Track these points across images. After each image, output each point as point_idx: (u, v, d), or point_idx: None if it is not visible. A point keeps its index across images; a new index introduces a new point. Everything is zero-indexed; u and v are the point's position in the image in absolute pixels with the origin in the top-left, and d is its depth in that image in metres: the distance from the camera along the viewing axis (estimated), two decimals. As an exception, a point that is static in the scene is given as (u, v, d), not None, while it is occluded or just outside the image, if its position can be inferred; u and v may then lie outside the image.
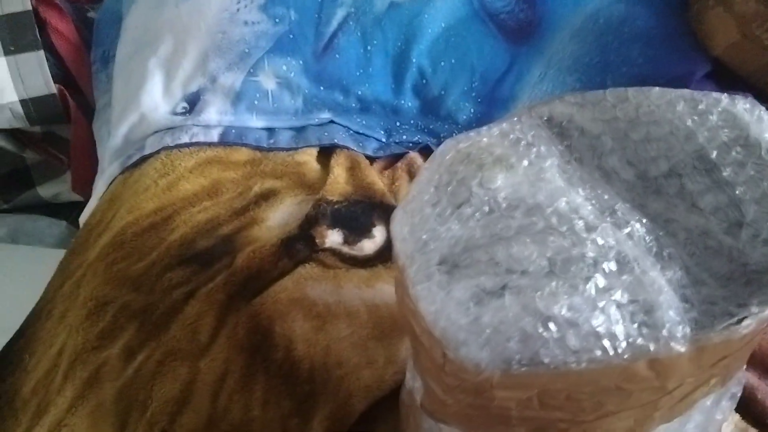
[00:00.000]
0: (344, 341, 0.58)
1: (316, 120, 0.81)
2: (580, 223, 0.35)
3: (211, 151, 0.77)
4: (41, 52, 0.85)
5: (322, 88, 0.81)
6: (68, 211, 0.99)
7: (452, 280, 0.34)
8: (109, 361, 0.58)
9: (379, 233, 0.68)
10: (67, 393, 0.57)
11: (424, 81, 0.81)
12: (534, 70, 0.80)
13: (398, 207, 0.39)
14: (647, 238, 0.36)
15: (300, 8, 0.80)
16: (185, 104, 0.79)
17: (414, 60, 0.80)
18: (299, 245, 0.65)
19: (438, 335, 0.32)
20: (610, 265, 0.33)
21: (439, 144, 0.79)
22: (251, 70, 0.79)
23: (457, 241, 0.35)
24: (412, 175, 0.77)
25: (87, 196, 0.85)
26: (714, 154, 0.38)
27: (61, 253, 0.74)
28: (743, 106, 0.40)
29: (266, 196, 0.72)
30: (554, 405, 0.33)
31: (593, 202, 0.38)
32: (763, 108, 0.40)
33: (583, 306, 0.32)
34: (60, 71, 0.89)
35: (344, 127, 0.81)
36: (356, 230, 0.67)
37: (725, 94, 0.40)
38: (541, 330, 0.31)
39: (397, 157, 0.81)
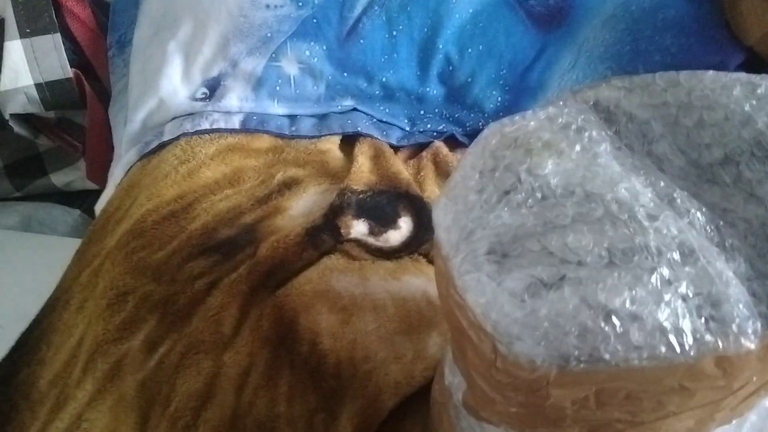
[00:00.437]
0: (371, 335, 0.56)
1: (339, 107, 0.80)
2: (642, 212, 0.33)
3: (231, 138, 0.76)
4: (57, 35, 0.83)
5: (345, 74, 0.79)
6: (81, 200, 0.98)
7: (503, 271, 0.32)
8: (130, 353, 0.57)
9: (405, 224, 0.67)
10: (87, 386, 0.56)
11: (450, 68, 0.79)
12: (564, 58, 0.78)
13: (440, 194, 0.37)
14: (708, 227, 0.34)
15: None
16: (205, 90, 0.78)
17: (440, 47, 0.78)
18: (324, 235, 0.64)
19: (489, 329, 0.31)
20: (674, 256, 0.31)
21: (464, 133, 0.79)
22: (273, 55, 0.78)
23: (506, 229, 0.33)
24: (437, 165, 0.76)
25: (101, 185, 0.84)
26: (775, 140, 0.36)
27: (74, 242, 0.72)
28: (806, 89, 0.38)
29: (289, 185, 0.71)
30: (612, 404, 0.31)
31: (651, 189, 0.35)
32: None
33: (647, 299, 0.30)
34: (76, 56, 0.88)
35: (367, 115, 0.80)
36: (382, 221, 0.66)
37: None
38: (602, 324, 0.29)
39: (422, 146, 0.79)
